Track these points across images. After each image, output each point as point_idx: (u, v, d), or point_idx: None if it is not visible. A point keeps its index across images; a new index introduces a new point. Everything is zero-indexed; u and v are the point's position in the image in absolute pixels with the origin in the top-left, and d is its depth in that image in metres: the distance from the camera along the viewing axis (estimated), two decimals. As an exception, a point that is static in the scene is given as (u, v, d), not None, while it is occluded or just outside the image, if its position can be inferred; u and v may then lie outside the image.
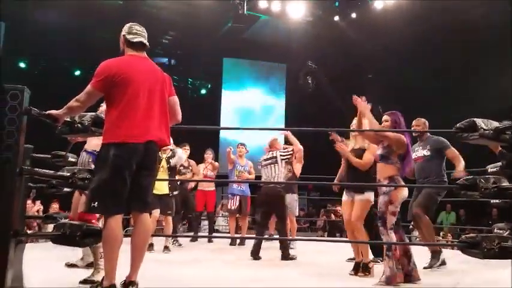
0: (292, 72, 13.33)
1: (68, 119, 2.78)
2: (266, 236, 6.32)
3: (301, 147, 5.67)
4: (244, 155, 6.59)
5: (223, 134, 13.00)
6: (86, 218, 2.91)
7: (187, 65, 12.82)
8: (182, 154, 5.67)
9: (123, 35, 2.82)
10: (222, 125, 12.85)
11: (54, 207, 7.32)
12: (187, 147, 6.22)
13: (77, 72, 12.13)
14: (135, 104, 2.60)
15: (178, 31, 11.56)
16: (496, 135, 2.42)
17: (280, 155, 5.22)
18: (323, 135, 5.02)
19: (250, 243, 6.30)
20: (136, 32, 2.80)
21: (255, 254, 4.89)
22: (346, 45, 11.64)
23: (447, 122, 3.19)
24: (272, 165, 5.19)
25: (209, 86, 13.68)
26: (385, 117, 3.71)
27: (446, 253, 5.16)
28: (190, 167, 6.47)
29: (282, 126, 13.35)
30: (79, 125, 2.85)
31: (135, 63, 2.72)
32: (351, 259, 4.50)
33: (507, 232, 2.89)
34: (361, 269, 3.94)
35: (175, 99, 2.89)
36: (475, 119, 2.44)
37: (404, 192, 3.53)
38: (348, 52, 11.81)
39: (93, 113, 2.91)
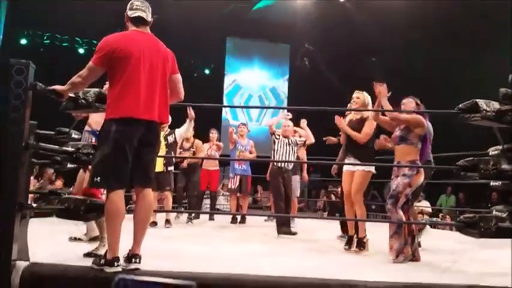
0: (296, 53, 13.24)
1: (72, 95, 2.80)
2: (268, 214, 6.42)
3: (313, 140, 5.92)
4: (245, 134, 6.64)
5: (225, 114, 13.02)
6: (91, 193, 2.95)
7: (191, 44, 12.74)
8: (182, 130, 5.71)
9: (125, 12, 2.81)
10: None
11: (58, 184, 7.40)
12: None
13: (81, 50, 12.06)
14: (136, 80, 2.61)
15: (182, 10, 11.45)
16: (497, 117, 2.43)
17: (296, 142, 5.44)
18: (325, 116, 5.03)
19: (250, 221, 6.44)
20: (136, 7, 2.78)
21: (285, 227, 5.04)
22: (350, 26, 11.51)
23: (450, 105, 3.20)
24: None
25: (212, 65, 13.61)
26: (408, 99, 3.78)
27: (444, 234, 5.24)
28: (192, 148, 6.43)
29: (285, 106, 13.40)
30: (83, 100, 2.86)
31: (136, 38, 2.71)
32: (340, 236, 4.62)
33: (505, 214, 2.92)
34: (356, 243, 4.01)
35: (179, 77, 2.90)
36: (477, 100, 2.45)
37: (422, 177, 3.61)
38: (353, 33, 11.68)
39: (97, 89, 2.92)
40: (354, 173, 4.04)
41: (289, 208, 5.33)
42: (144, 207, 2.70)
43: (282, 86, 13.81)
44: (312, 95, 11.57)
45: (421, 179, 3.60)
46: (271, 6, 11.84)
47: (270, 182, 5.52)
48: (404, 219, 3.55)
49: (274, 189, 5.35)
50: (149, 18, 2.81)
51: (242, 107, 14.61)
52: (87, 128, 3.98)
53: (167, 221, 5.54)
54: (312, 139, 5.88)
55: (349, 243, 4.08)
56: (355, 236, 4.07)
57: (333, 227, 5.23)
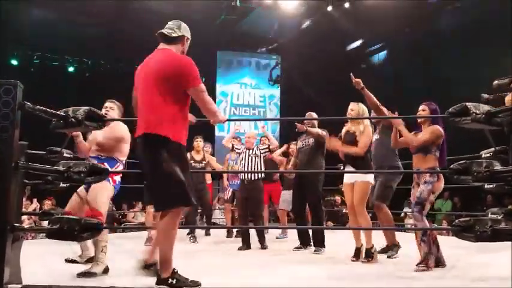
0: (286, 63, 13.32)
1: (62, 113, 2.78)
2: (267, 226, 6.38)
3: (276, 143, 6.08)
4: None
5: (218, 126, 13.00)
6: (96, 215, 2.92)
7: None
8: None
9: None
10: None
11: (48, 203, 7.34)
12: (199, 139, 6.15)
13: (71, 69, 12.06)
14: (137, 99, 2.76)
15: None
16: (487, 119, 2.44)
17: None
18: (320, 125, 5.07)
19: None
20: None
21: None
22: (339, 35, 11.63)
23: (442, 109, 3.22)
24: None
25: (203, 79, 13.64)
26: (422, 106, 3.76)
27: (443, 239, 5.21)
28: (204, 161, 6.18)
29: (278, 116, 13.49)
30: (73, 119, 2.84)
31: (148, 58, 2.84)
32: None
33: (500, 216, 2.92)
34: (364, 254, 3.99)
35: (194, 90, 2.79)
36: (466, 104, 2.46)
37: (443, 183, 3.67)
38: (341, 41, 11.81)
39: (87, 107, 2.90)
40: (354, 184, 4.05)
41: (258, 220, 5.31)
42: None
43: (274, 97, 13.85)
44: (305, 104, 11.63)
45: (441, 185, 3.66)
46: (260, 18, 11.91)
47: None
48: (429, 226, 3.57)
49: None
50: (173, 35, 2.88)
51: (235, 120, 14.56)
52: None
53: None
54: (274, 143, 5.93)
55: (357, 254, 4.06)
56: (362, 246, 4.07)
57: (340, 237, 5.24)
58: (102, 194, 3.40)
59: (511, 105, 3.02)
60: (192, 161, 5.90)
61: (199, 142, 6.14)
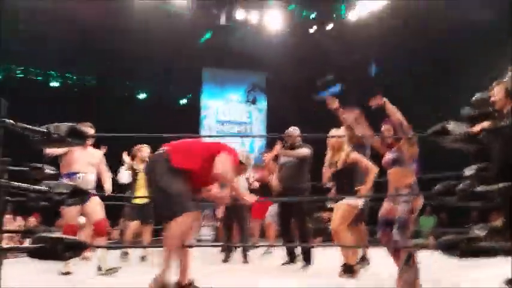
0: (272, 81, 13.42)
1: (44, 130, 2.74)
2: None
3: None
4: None
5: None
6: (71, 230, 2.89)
7: (167, 76, 12.80)
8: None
9: None
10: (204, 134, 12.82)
11: (32, 220, 7.19)
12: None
13: (55, 84, 11.97)
14: None
15: (157, 43, 11.55)
16: (468, 138, 2.48)
17: None
18: (306, 141, 5.11)
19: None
20: None
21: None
22: (322, 54, 11.80)
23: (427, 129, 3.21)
24: None
25: (190, 95, 13.66)
26: (386, 127, 3.65)
27: (430, 255, 5.25)
28: None
29: (264, 133, 13.53)
30: (55, 135, 2.80)
31: None
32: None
33: (484, 232, 2.95)
34: (344, 269, 3.99)
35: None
36: (445, 124, 2.49)
37: (422, 199, 3.46)
38: (325, 60, 11.97)
39: (70, 123, 2.86)
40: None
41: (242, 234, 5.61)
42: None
43: (260, 114, 13.89)
44: (290, 122, 11.68)
45: (420, 201, 3.45)
46: (245, 36, 12.02)
47: None
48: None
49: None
50: None
51: (218, 136, 14.52)
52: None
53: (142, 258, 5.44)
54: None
55: (350, 271, 4.04)
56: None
57: (330, 253, 5.24)
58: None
59: (491, 126, 3.04)
60: None
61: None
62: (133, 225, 5.52)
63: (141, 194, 5.37)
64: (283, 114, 12.41)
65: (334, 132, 4.26)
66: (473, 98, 3.42)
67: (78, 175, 4.25)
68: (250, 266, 5.09)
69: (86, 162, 4.41)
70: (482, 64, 7.93)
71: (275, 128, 12.40)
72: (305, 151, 4.85)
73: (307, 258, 4.76)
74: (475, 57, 8.51)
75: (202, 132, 12.87)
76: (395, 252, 3.47)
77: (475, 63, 8.45)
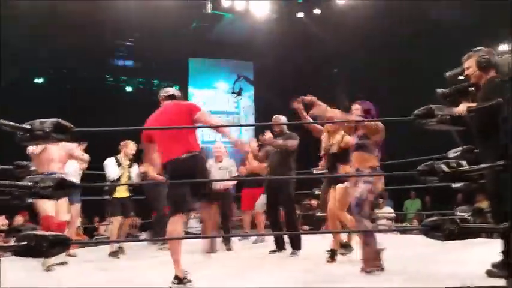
0: (259, 70, 13.37)
1: (28, 126, 2.71)
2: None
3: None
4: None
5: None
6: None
7: (153, 66, 12.70)
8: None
9: None
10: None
11: (19, 219, 7.12)
12: None
13: (40, 80, 11.82)
14: None
15: (142, 33, 11.43)
16: (453, 120, 2.50)
17: None
18: (294, 130, 5.12)
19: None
20: None
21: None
22: (311, 41, 11.77)
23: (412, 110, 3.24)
24: None
25: (177, 87, 13.56)
26: (355, 105, 3.74)
27: (415, 239, 5.33)
28: None
29: (253, 122, 13.51)
30: (40, 131, 2.77)
31: None
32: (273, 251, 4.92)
33: (468, 214, 2.99)
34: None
35: None
36: (431, 106, 2.50)
37: (382, 182, 3.59)
38: (314, 48, 11.94)
39: (55, 119, 2.83)
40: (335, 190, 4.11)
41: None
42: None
43: (248, 101, 13.85)
44: (280, 109, 11.65)
45: (381, 184, 3.58)
46: (232, 25, 11.95)
47: None
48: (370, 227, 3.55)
49: None
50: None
51: (204, 127, 14.47)
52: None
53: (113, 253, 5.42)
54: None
55: (331, 256, 4.13)
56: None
57: (319, 240, 5.28)
58: None
59: (475, 106, 3.07)
60: None
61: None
62: (117, 220, 5.56)
63: (124, 188, 5.56)
64: (271, 103, 12.43)
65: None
66: (447, 74, 3.46)
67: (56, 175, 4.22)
68: (238, 255, 5.12)
69: (61, 160, 4.49)
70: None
71: (264, 117, 12.41)
72: (293, 142, 4.87)
73: (295, 246, 4.80)
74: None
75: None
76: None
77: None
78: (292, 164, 4.94)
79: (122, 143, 5.74)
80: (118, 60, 12.71)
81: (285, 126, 5.06)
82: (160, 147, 3.59)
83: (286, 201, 4.91)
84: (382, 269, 3.42)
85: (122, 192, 5.57)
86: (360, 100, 3.78)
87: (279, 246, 5.01)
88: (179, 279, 3.18)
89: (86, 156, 5.41)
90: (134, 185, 5.77)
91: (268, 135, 5.10)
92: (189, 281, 3.19)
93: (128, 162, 5.71)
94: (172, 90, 4.01)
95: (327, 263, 4.08)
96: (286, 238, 5.03)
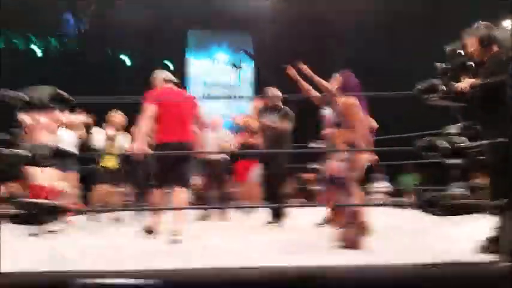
0: (259, 42, 13.18)
1: (25, 95, 2.67)
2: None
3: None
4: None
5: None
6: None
7: (151, 38, 12.50)
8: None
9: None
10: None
11: (12, 186, 7.13)
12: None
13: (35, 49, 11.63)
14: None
15: (141, 4, 11.22)
16: (454, 96, 2.47)
17: None
18: (292, 104, 5.08)
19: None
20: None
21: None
22: (312, 15, 11.56)
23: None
24: None
25: (174, 59, 13.39)
26: (336, 76, 3.63)
27: (410, 213, 5.38)
28: None
29: (251, 93, 13.31)
30: (37, 100, 2.73)
31: None
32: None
33: (465, 190, 3.00)
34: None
35: None
36: (434, 80, 2.47)
37: (365, 156, 3.48)
38: (315, 22, 11.75)
39: (52, 87, 2.79)
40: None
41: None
42: None
43: (247, 74, 13.69)
44: (279, 81, 11.57)
45: (363, 158, 3.47)
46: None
47: None
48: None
49: None
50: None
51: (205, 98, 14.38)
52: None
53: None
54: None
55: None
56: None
57: (311, 213, 5.33)
58: None
59: (478, 83, 3.03)
60: None
61: None
62: (101, 188, 5.63)
63: (112, 158, 5.65)
64: (271, 77, 12.30)
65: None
66: (446, 49, 3.39)
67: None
68: (231, 224, 5.22)
69: (53, 131, 4.49)
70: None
71: (264, 90, 12.32)
72: (286, 125, 4.84)
73: (275, 216, 4.89)
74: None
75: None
76: (338, 210, 3.53)
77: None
78: (288, 140, 4.92)
79: (109, 113, 5.71)
80: (115, 34, 12.48)
81: (279, 101, 5.02)
82: (165, 127, 3.91)
83: (277, 171, 4.94)
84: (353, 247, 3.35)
85: (109, 163, 5.55)
86: (343, 71, 3.65)
87: (277, 217, 5.02)
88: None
89: (74, 118, 5.23)
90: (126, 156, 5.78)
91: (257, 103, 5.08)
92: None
93: (114, 133, 5.70)
94: (170, 75, 4.30)
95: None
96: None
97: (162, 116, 3.91)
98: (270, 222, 5.00)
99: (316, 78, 3.78)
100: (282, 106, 5.03)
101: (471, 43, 3.14)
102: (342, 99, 3.46)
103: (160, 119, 3.92)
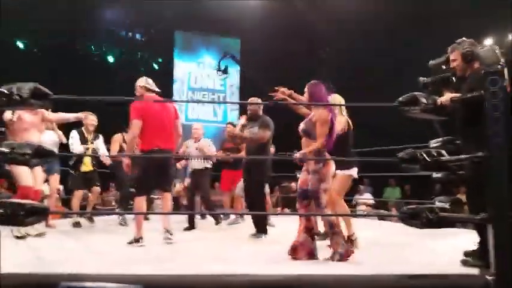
0: (246, 47, 13.19)
1: (5, 91, 2.61)
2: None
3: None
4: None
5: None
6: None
7: (138, 39, 12.44)
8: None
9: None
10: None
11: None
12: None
13: (20, 45, 11.48)
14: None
15: (129, 3, 11.14)
16: (436, 110, 2.49)
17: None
18: (278, 110, 5.07)
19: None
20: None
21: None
22: (300, 20, 11.63)
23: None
24: None
25: (160, 60, 13.31)
26: (306, 87, 3.63)
27: (393, 226, 5.40)
28: None
29: (237, 100, 13.34)
30: (17, 96, 2.67)
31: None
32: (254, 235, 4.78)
33: (447, 204, 3.03)
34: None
35: None
36: (416, 93, 2.49)
37: (332, 167, 3.53)
38: (302, 27, 11.82)
39: (33, 84, 2.73)
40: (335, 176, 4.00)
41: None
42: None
43: (234, 80, 13.68)
44: (265, 87, 11.55)
45: (330, 169, 3.50)
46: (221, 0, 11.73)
47: None
48: (333, 217, 3.48)
49: None
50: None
51: (188, 102, 14.28)
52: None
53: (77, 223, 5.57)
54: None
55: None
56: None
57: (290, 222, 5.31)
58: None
59: (459, 97, 3.08)
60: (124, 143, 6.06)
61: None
62: (79, 193, 5.64)
63: (87, 161, 5.62)
64: (257, 83, 12.30)
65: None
66: (430, 63, 3.48)
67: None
68: (217, 235, 5.14)
69: (38, 129, 4.41)
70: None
71: (249, 97, 12.30)
72: (262, 135, 4.85)
73: (260, 229, 4.81)
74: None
75: (175, 98, 12.62)
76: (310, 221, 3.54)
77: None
78: (268, 148, 4.95)
79: (81, 115, 5.49)
80: (104, 33, 12.38)
81: (260, 110, 5.03)
82: (150, 134, 4.12)
83: (257, 181, 4.92)
84: (347, 257, 3.38)
85: (85, 166, 5.58)
86: (312, 82, 3.64)
87: (260, 230, 4.96)
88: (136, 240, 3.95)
89: (54, 117, 5.00)
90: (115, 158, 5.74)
91: (243, 120, 5.12)
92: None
93: (91, 135, 5.67)
94: (152, 83, 4.50)
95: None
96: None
97: (146, 126, 4.13)
98: (253, 235, 4.95)
99: (295, 95, 3.80)
100: (261, 115, 5.03)
101: (455, 58, 3.23)
102: (317, 111, 3.49)
103: (144, 128, 4.13)
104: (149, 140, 4.13)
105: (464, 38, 3.26)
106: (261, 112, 5.05)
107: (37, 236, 3.90)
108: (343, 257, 3.36)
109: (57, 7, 10.18)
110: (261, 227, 4.82)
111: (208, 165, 6.01)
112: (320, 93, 3.55)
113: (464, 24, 7.65)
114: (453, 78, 3.29)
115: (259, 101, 5.04)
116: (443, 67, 3.44)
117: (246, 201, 5.32)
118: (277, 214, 6.35)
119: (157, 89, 4.47)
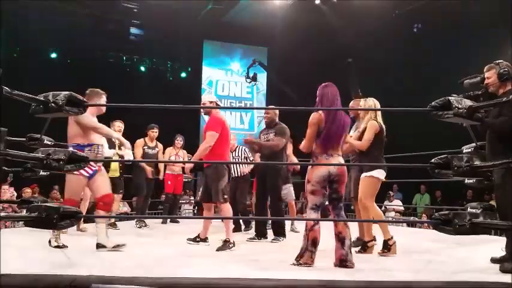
0: (273, 56, 13.25)
1: (42, 98, 2.71)
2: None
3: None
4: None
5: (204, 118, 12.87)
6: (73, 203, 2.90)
7: (167, 48, 12.65)
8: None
9: None
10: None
11: (27, 191, 7.19)
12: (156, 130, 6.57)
13: (53, 55, 11.85)
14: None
15: (158, 14, 11.37)
16: (469, 114, 2.45)
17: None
18: (304, 117, 5.06)
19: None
20: None
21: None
22: (326, 29, 11.61)
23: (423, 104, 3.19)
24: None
25: (189, 69, 13.51)
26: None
27: (423, 232, 5.28)
28: (157, 147, 6.63)
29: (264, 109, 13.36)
30: (53, 104, 2.77)
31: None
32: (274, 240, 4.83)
33: (479, 210, 2.96)
34: (382, 245, 3.89)
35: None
36: (449, 98, 2.46)
37: (322, 170, 3.35)
38: (329, 35, 11.78)
39: (68, 92, 2.83)
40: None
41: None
42: None
43: (261, 87, 13.73)
44: (291, 96, 11.59)
45: (320, 171, 3.35)
46: (247, 9, 11.84)
47: None
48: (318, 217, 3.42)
49: None
50: None
51: (216, 108, 14.37)
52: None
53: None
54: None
55: (363, 248, 4.00)
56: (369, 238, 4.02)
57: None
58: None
59: (493, 101, 3.05)
60: (145, 147, 6.48)
61: (155, 132, 6.60)
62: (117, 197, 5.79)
63: (114, 168, 5.76)
64: (283, 90, 12.32)
65: (360, 102, 4.22)
66: (465, 82, 3.54)
67: (98, 147, 3.99)
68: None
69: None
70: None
71: (276, 104, 12.33)
72: (276, 144, 4.88)
73: (277, 233, 4.87)
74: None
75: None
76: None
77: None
78: (282, 154, 4.98)
79: (115, 122, 5.77)
80: (131, 41, 12.66)
81: (277, 117, 5.07)
82: (222, 147, 4.40)
83: (272, 188, 4.94)
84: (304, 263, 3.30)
85: (112, 172, 5.67)
86: (324, 84, 3.55)
87: (259, 234, 4.98)
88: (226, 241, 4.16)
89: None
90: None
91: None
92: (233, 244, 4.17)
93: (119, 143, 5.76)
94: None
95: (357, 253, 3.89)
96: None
97: (220, 139, 4.38)
98: (250, 239, 4.95)
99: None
100: (278, 122, 5.07)
101: (491, 76, 3.35)
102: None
103: (218, 140, 4.37)
104: (221, 152, 4.37)
105: (502, 60, 3.39)
106: (277, 119, 5.06)
107: (114, 248, 3.89)
108: (298, 258, 3.29)
109: (88, 18, 10.54)
110: (279, 230, 4.90)
111: (247, 171, 6.09)
112: (328, 95, 3.46)
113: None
114: (481, 98, 3.40)
115: (275, 108, 5.12)
116: (479, 82, 3.52)
117: (257, 207, 5.28)
118: (291, 219, 6.30)
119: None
